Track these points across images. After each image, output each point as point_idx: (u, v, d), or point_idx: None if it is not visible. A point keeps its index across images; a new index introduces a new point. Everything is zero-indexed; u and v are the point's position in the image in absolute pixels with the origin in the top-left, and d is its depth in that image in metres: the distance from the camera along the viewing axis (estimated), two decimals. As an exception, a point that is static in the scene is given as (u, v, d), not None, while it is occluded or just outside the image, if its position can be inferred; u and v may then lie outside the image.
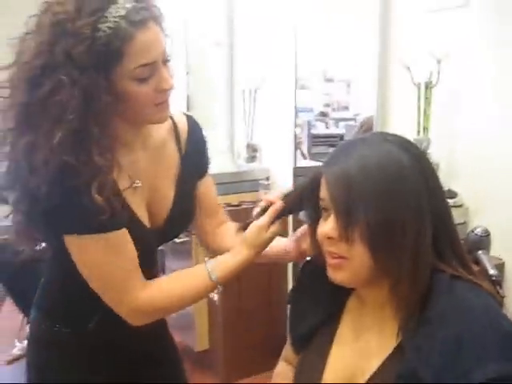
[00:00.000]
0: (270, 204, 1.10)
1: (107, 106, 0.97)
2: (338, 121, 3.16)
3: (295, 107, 2.88)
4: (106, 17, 0.94)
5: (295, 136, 2.94)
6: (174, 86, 1.06)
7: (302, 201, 1.02)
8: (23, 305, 2.55)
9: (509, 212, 1.87)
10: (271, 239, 1.10)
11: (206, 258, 1.14)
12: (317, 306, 1.04)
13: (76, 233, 1.01)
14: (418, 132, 2.06)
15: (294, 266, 2.80)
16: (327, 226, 0.89)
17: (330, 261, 0.91)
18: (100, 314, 1.15)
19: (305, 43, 2.80)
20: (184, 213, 1.25)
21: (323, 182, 0.92)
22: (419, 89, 2.05)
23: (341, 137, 3.33)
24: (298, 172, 2.91)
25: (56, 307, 1.20)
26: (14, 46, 0.99)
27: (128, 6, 0.96)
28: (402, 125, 2.22)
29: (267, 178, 3.01)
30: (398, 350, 0.88)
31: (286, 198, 1.09)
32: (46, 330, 1.19)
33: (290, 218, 2.20)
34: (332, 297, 1.01)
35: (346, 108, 3.36)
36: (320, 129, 3.43)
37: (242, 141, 3.23)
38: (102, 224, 0.99)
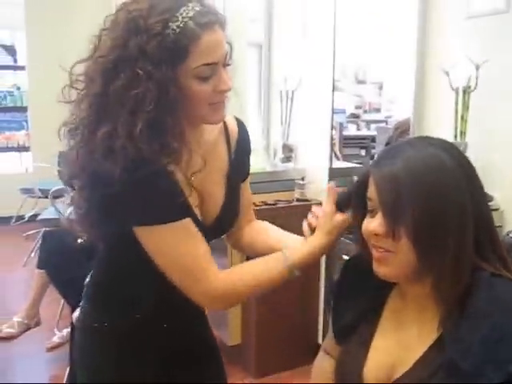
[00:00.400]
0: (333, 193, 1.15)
1: (176, 98, 1.03)
2: (369, 123, 3.18)
3: (332, 108, 2.93)
4: (177, 17, 1.01)
5: (331, 137, 2.98)
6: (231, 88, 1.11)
7: (351, 200, 1.08)
8: (66, 293, 2.65)
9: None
10: (344, 223, 1.13)
11: (283, 245, 1.17)
12: (359, 299, 1.09)
13: (148, 223, 1.06)
14: (455, 136, 2.10)
15: (327, 263, 2.84)
16: (374, 223, 0.95)
17: (375, 254, 0.97)
18: (145, 310, 1.19)
19: (340, 45, 2.84)
20: (232, 211, 1.28)
21: (371, 182, 0.97)
22: (457, 93, 2.09)
23: (372, 138, 3.36)
24: (333, 173, 2.97)
25: (103, 300, 1.25)
26: (90, 42, 1.06)
27: (197, 8, 1.03)
28: (439, 128, 2.25)
29: (303, 178, 3.06)
30: (439, 341, 0.93)
31: (339, 197, 1.15)
32: (93, 319, 1.24)
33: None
34: (374, 291, 1.07)
35: (378, 110, 3.40)
36: (351, 130, 3.47)
37: (279, 141, 3.29)
38: (172, 213, 1.06)
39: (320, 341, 2.94)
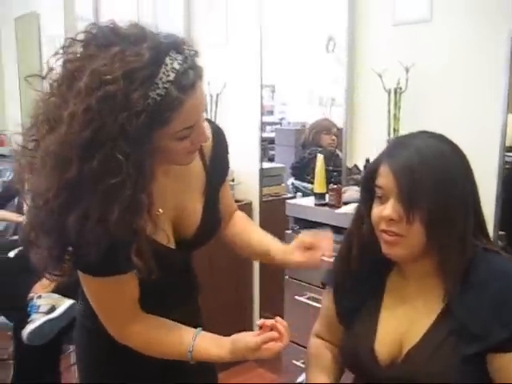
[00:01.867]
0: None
1: (153, 167, 0.98)
2: (264, 125, 3.30)
3: (261, 109, 3.05)
4: (157, 84, 0.90)
5: (261, 138, 3.09)
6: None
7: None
8: (6, 310, 2.47)
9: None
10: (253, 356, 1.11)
11: (197, 331, 1.16)
12: (359, 283, 1.18)
13: (81, 270, 1.08)
14: (389, 133, 2.27)
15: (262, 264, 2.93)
16: (388, 209, 1.04)
17: (387, 238, 1.06)
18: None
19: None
20: (214, 221, 1.28)
21: (383, 171, 1.06)
22: (389, 94, 2.27)
23: (270, 140, 3.52)
24: (263, 173, 3.08)
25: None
26: (42, 99, 0.96)
27: (176, 65, 0.92)
28: (374, 126, 2.43)
29: (232, 180, 3.13)
30: (445, 312, 1.05)
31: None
32: (87, 319, 1.24)
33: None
34: (373, 275, 1.17)
35: (271, 112, 3.56)
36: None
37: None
38: (108, 270, 1.04)
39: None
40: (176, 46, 0.94)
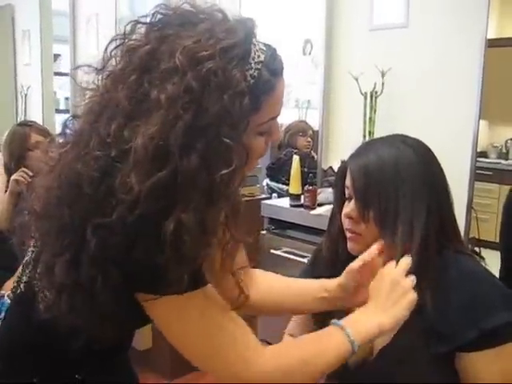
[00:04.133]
0: None
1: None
2: None
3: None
4: (250, 63, 0.80)
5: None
6: None
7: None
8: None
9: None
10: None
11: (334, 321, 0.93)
12: None
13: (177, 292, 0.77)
14: (364, 136, 2.30)
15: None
16: (347, 208, 1.10)
17: (348, 235, 1.11)
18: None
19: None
20: None
21: (348, 172, 1.10)
22: (365, 98, 2.30)
23: None
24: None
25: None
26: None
27: (263, 47, 0.83)
28: (350, 129, 2.45)
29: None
30: (417, 310, 1.06)
31: None
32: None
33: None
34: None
35: None
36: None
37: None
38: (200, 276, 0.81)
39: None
40: (254, 26, 0.85)
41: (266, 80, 0.81)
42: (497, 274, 1.76)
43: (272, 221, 2.53)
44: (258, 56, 0.81)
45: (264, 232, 2.49)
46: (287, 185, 2.56)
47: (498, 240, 2.18)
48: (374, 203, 1.05)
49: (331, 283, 1.08)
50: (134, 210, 0.72)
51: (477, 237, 2.15)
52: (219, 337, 0.81)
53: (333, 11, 2.54)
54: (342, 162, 1.21)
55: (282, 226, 2.46)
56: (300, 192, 2.43)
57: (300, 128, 3.30)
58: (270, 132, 0.87)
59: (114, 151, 0.75)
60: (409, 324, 1.06)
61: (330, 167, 2.60)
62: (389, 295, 0.94)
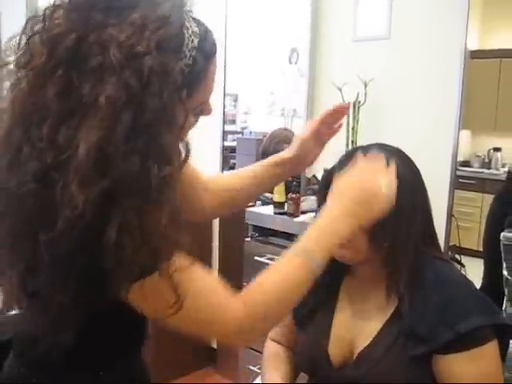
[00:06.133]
0: None
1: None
2: (226, 133, 3.33)
3: (223, 118, 3.08)
4: (184, 52, 0.78)
5: (223, 146, 3.11)
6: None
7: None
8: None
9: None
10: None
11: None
12: (315, 287, 1.22)
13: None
14: (347, 145, 2.34)
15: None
16: None
17: None
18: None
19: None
20: None
21: (333, 181, 1.12)
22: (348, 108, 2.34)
23: (231, 149, 3.55)
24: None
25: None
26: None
27: (195, 29, 0.80)
28: (332, 138, 2.48)
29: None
30: (396, 314, 1.10)
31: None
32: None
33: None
34: (328, 278, 1.21)
35: (233, 121, 3.59)
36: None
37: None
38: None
39: (214, 345, 3.04)
40: (183, 3, 0.81)
41: (201, 66, 0.80)
42: (477, 281, 1.81)
43: (256, 228, 2.55)
44: (192, 41, 0.79)
45: (248, 239, 2.51)
46: (271, 193, 2.59)
47: (479, 248, 2.23)
48: None
49: (282, 158, 1.26)
50: (78, 222, 0.69)
51: (458, 244, 2.20)
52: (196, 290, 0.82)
53: (317, 22, 2.59)
54: (325, 170, 1.23)
55: (265, 233, 2.48)
56: (284, 200, 2.46)
57: (285, 136, 3.31)
58: (202, 110, 0.88)
59: (50, 159, 0.71)
60: (388, 326, 1.10)
61: (314, 175, 2.63)
62: (356, 197, 0.98)
